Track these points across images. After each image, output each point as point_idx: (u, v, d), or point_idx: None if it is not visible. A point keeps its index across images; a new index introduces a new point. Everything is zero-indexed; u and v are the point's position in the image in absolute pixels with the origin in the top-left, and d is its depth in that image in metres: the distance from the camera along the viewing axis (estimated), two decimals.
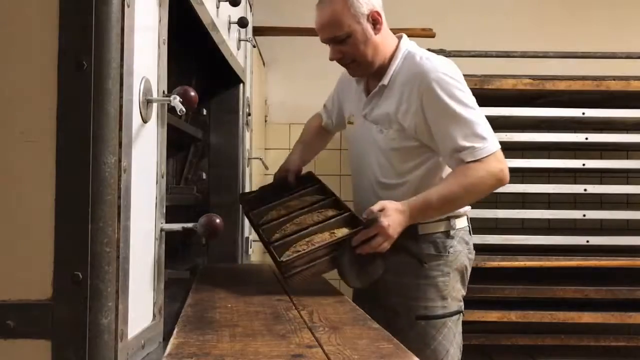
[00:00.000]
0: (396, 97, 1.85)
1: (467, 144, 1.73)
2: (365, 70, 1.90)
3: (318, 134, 2.31)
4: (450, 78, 1.79)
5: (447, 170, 1.86)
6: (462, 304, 1.94)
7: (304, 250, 1.58)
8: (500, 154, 1.78)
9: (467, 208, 1.96)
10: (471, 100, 1.81)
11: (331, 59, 1.88)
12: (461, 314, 1.93)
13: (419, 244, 1.88)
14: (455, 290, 1.91)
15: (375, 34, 1.83)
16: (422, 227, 1.86)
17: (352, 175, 2.05)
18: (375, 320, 1.85)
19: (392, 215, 1.67)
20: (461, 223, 1.93)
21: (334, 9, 1.79)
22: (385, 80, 1.88)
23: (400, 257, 1.85)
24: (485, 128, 1.78)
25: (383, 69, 1.89)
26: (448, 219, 1.89)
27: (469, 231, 1.98)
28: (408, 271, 1.88)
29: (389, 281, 1.87)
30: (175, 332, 1.16)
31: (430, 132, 1.80)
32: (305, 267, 1.58)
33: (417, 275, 1.87)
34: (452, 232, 1.89)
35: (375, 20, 1.82)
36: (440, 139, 1.78)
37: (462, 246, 1.92)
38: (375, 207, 1.68)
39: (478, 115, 1.79)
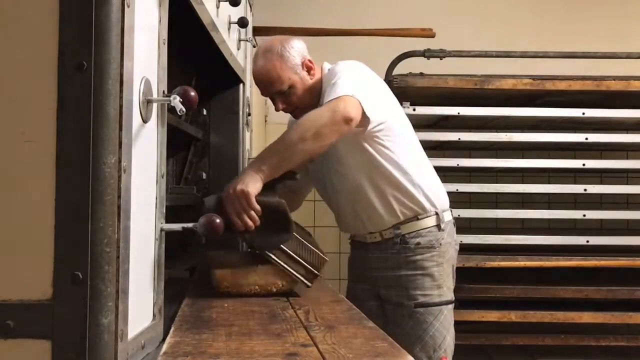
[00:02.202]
0: None
1: (327, 96, 1.78)
2: (306, 111, 1.95)
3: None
4: (341, 63, 1.93)
5: (404, 163, 1.95)
6: (453, 294, 2.07)
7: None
8: (348, 97, 1.74)
9: (448, 203, 2.07)
10: (353, 72, 1.89)
11: (277, 110, 2.04)
12: (454, 303, 2.07)
13: (411, 239, 2.00)
14: (449, 280, 2.05)
15: (310, 79, 1.98)
16: (410, 225, 1.99)
17: (330, 204, 2.14)
18: (373, 314, 1.90)
19: (229, 184, 1.61)
20: (448, 216, 2.07)
21: (273, 66, 1.92)
22: (321, 101, 1.92)
23: (395, 253, 2.01)
24: (346, 83, 1.79)
25: (317, 100, 1.99)
26: (436, 213, 2.01)
27: (454, 223, 2.11)
28: (404, 265, 2.00)
29: (387, 276, 2.03)
30: (171, 331, 1.16)
31: None
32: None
33: (414, 268, 2.00)
34: (442, 225, 2.02)
35: (308, 68, 1.97)
36: None
37: (450, 239, 2.06)
38: (212, 196, 1.68)
39: (350, 76, 1.84)
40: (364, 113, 1.78)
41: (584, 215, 3.02)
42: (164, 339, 1.13)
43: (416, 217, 2.00)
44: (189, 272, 1.96)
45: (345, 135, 1.79)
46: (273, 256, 1.56)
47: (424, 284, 1.99)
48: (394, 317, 2.01)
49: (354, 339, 1.12)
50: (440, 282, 2.01)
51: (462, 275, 2.45)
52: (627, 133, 3.21)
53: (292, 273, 1.57)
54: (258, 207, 1.55)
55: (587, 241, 2.97)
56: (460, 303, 2.36)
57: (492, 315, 2.88)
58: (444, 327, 1.99)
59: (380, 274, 2.05)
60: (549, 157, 3.23)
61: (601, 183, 3.47)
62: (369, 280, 2.09)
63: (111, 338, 0.91)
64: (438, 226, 2.01)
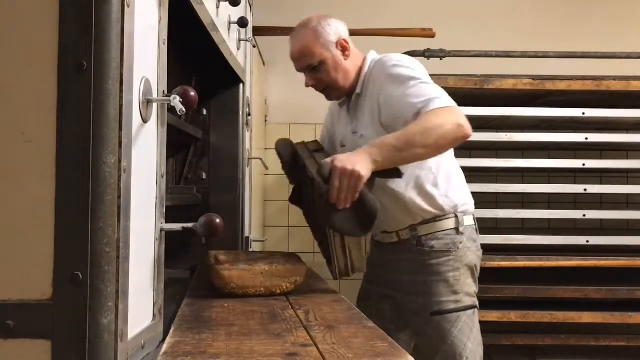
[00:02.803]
0: (369, 99, 1.96)
1: (423, 99, 1.78)
2: (338, 93, 2.05)
3: None
4: (401, 60, 1.91)
5: (430, 161, 1.90)
6: (475, 299, 1.99)
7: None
8: (460, 110, 1.80)
9: (471, 206, 2.01)
10: (425, 73, 1.90)
11: (307, 86, 2.06)
12: (475, 309, 1.98)
13: (427, 241, 1.94)
14: (467, 286, 1.96)
15: (345, 59, 1.99)
16: (427, 226, 1.94)
17: None
18: (393, 322, 1.93)
19: (344, 157, 1.66)
20: (469, 221, 2.00)
21: (306, 41, 1.98)
22: (358, 89, 2.01)
23: (411, 256, 1.95)
24: (440, 91, 1.83)
25: (355, 85, 2.02)
26: (456, 216, 1.95)
27: (476, 230, 2.03)
28: (420, 269, 1.94)
29: (403, 280, 1.97)
30: (171, 331, 1.16)
31: (396, 114, 1.84)
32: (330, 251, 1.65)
33: (429, 273, 1.94)
34: (461, 229, 1.95)
35: (344, 48, 1.99)
36: (399, 109, 1.82)
37: (470, 243, 1.98)
38: (327, 160, 1.69)
39: (432, 82, 1.86)
40: None
41: (584, 215, 3.02)
42: (164, 339, 1.13)
43: (434, 219, 1.95)
44: (189, 272, 1.96)
45: None
46: (332, 236, 1.64)
47: (439, 290, 1.93)
48: (414, 325, 1.96)
49: (354, 338, 1.12)
50: (456, 287, 1.93)
51: None
52: (627, 133, 3.20)
53: (335, 260, 1.64)
54: (358, 194, 1.61)
55: (587, 241, 2.97)
56: None
57: (492, 315, 2.88)
58: (463, 334, 1.92)
59: (396, 277, 2.00)
60: (549, 157, 3.23)
61: (601, 183, 3.47)
62: (384, 282, 2.05)
63: (111, 338, 0.91)
64: (456, 229, 1.95)
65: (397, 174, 1.77)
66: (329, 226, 1.64)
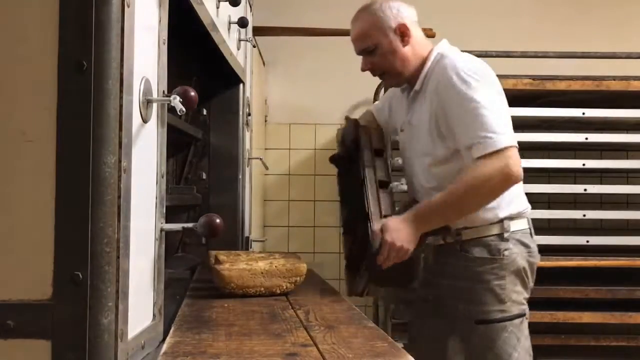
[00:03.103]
0: (427, 101, 1.89)
1: (475, 140, 1.74)
2: (396, 80, 1.99)
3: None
4: (468, 70, 1.81)
5: None
6: (524, 307, 1.91)
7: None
8: (512, 150, 1.74)
9: (525, 209, 1.94)
10: (489, 92, 1.80)
11: (362, 70, 1.99)
12: (524, 317, 1.90)
13: (471, 247, 1.87)
14: (515, 293, 1.87)
15: (404, 45, 1.90)
16: (471, 231, 1.86)
17: (406, 180, 2.08)
18: (437, 328, 1.91)
19: (393, 230, 1.76)
20: (517, 225, 1.90)
21: (363, 24, 1.92)
22: (417, 86, 1.94)
23: (454, 260, 1.88)
24: (498, 122, 1.75)
25: (417, 76, 1.94)
26: (502, 221, 1.86)
27: (530, 233, 1.95)
28: (463, 274, 1.87)
29: (442, 284, 1.90)
30: (171, 331, 1.16)
31: (451, 132, 1.82)
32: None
33: (472, 279, 1.86)
34: (506, 235, 1.86)
35: (403, 33, 1.90)
36: (456, 135, 1.80)
37: (518, 248, 1.88)
38: (376, 227, 1.77)
39: (493, 108, 1.77)
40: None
41: (584, 215, 3.02)
42: (164, 339, 1.13)
43: (478, 225, 1.86)
44: (189, 272, 1.96)
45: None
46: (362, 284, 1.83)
47: (485, 299, 1.84)
48: (459, 331, 1.87)
49: (354, 338, 1.12)
50: (502, 296, 1.84)
51: None
52: (627, 133, 3.20)
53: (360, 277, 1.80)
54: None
55: (587, 241, 2.97)
56: None
57: None
58: (508, 345, 1.83)
59: (439, 281, 1.92)
60: (549, 157, 3.23)
61: (601, 183, 3.47)
62: (428, 284, 1.97)
63: (111, 338, 0.91)
64: (500, 235, 1.85)
65: (444, 230, 1.85)
66: (371, 279, 1.75)
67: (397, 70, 1.93)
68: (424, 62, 1.94)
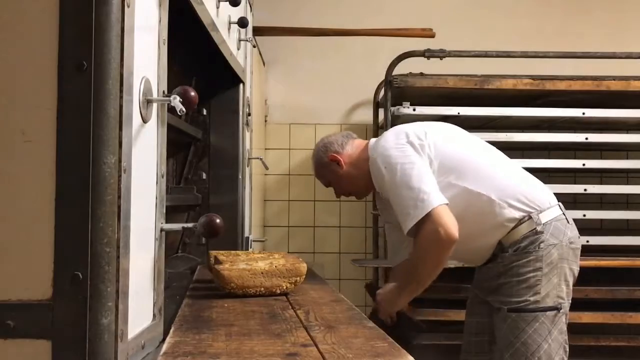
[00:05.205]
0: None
1: (400, 217, 1.92)
2: (363, 192, 2.23)
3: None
4: (383, 153, 1.98)
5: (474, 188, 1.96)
6: (562, 301, 1.94)
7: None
8: (435, 213, 1.84)
9: (547, 202, 1.99)
10: (408, 160, 1.93)
11: (337, 197, 2.31)
12: (558, 310, 1.93)
13: (510, 247, 1.95)
14: (551, 286, 1.92)
15: (342, 168, 2.17)
16: (512, 234, 1.94)
17: None
18: (480, 314, 2.10)
19: (382, 294, 2.15)
20: (548, 216, 1.96)
21: (314, 166, 2.26)
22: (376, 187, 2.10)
23: (496, 263, 1.98)
24: (417, 191, 1.87)
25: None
26: (530, 216, 1.93)
27: (566, 219, 1.99)
28: (504, 273, 1.96)
29: (491, 285, 2.01)
30: (171, 331, 1.16)
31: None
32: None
33: (510, 275, 1.94)
34: (539, 228, 1.92)
35: (335, 160, 2.17)
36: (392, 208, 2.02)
37: (555, 239, 1.93)
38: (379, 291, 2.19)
39: (412, 178, 1.89)
40: (445, 204, 1.87)
41: (584, 215, 3.01)
42: (164, 339, 1.13)
43: (510, 229, 1.94)
44: (189, 272, 1.96)
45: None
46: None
47: (519, 290, 1.92)
48: (496, 320, 1.98)
49: (354, 338, 1.12)
50: (537, 287, 1.91)
51: (463, 275, 2.45)
52: (627, 133, 3.20)
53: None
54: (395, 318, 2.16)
55: (587, 241, 2.96)
56: (461, 303, 2.35)
57: None
58: (539, 335, 1.89)
59: (486, 283, 2.04)
60: (549, 157, 3.23)
61: (601, 183, 3.47)
62: (479, 289, 2.10)
63: (111, 338, 0.91)
64: (534, 230, 1.92)
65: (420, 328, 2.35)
66: (390, 329, 2.04)
67: (354, 189, 2.20)
68: (366, 157, 2.11)
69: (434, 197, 1.86)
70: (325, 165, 2.19)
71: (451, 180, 1.94)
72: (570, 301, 1.98)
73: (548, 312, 1.91)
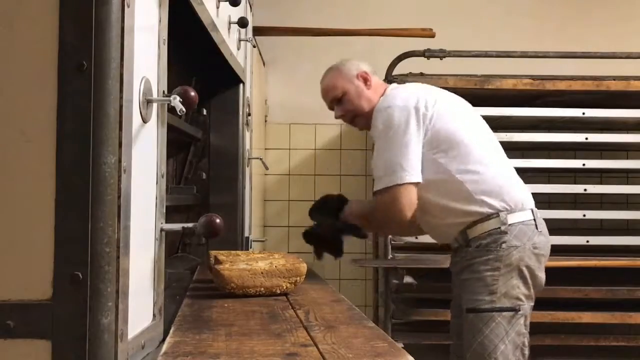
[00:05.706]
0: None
1: (374, 172, 2.00)
2: (366, 121, 2.15)
3: None
4: (388, 108, 1.99)
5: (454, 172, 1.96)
6: (521, 302, 1.92)
7: None
8: (400, 190, 1.91)
9: (520, 203, 1.97)
10: (404, 127, 1.94)
11: (336, 118, 2.24)
12: (516, 312, 1.91)
13: (474, 242, 1.95)
14: (509, 287, 1.91)
15: (367, 88, 2.15)
16: (473, 230, 1.95)
17: None
18: (457, 316, 2.06)
19: (353, 201, 2.21)
20: (515, 218, 1.94)
21: (331, 78, 2.20)
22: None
23: (460, 257, 2.00)
24: (396, 159, 1.92)
25: None
26: (498, 214, 1.92)
27: (535, 225, 1.97)
28: (465, 268, 1.98)
29: (457, 280, 2.05)
30: (171, 331, 1.16)
31: None
32: None
33: (470, 271, 1.96)
34: (503, 228, 1.92)
35: (365, 79, 2.15)
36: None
37: (518, 241, 1.92)
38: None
39: (400, 146, 1.93)
40: (415, 183, 1.92)
41: (584, 215, 3.02)
42: (164, 339, 1.13)
43: (477, 222, 1.94)
44: (189, 272, 1.96)
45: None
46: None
47: (476, 289, 1.92)
48: (462, 319, 1.99)
49: (354, 338, 1.12)
50: (493, 287, 1.90)
51: None
52: (627, 133, 3.20)
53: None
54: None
55: (587, 241, 2.97)
56: None
57: None
58: (495, 336, 1.88)
59: (455, 277, 2.06)
60: (549, 157, 3.23)
61: (601, 183, 3.47)
62: (454, 284, 2.11)
63: (111, 338, 0.91)
64: (499, 229, 1.92)
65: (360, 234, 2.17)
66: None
67: (365, 111, 2.13)
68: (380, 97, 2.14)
69: (408, 174, 1.91)
70: (349, 79, 2.15)
71: (437, 157, 1.94)
72: (532, 304, 1.96)
73: (505, 313, 1.89)
